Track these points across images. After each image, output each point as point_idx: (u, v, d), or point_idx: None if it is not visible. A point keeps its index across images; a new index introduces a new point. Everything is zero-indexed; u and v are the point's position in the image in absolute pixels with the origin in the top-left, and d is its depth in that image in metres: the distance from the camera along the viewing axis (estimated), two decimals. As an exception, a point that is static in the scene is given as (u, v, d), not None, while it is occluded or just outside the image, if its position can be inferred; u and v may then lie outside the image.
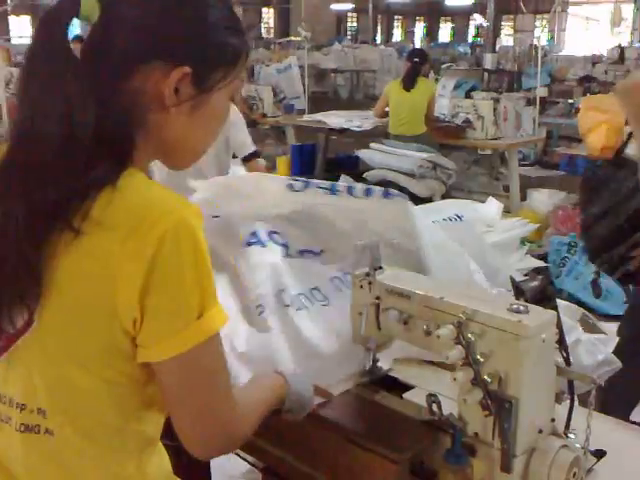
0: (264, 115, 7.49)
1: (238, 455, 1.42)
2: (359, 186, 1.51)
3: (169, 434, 0.96)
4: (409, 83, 6.05)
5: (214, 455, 0.96)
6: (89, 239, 0.82)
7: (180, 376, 0.87)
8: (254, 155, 3.28)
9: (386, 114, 6.43)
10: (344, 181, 5.69)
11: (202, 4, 0.92)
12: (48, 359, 0.87)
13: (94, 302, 0.84)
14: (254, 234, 1.49)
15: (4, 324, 0.86)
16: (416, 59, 6.20)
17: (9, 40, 16.36)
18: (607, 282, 4.36)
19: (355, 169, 6.66)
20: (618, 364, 1.53)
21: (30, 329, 0.86)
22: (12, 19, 21.74)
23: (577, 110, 6.82)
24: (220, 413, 0.91)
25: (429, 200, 5.33)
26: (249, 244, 1.48)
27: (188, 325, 0.84)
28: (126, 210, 0.83)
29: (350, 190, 1.49)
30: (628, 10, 14.63)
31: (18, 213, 0.83)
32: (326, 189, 1.50)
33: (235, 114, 3.16)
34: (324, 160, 7.28)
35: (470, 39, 29.39)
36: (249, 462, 1.34)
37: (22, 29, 23.59)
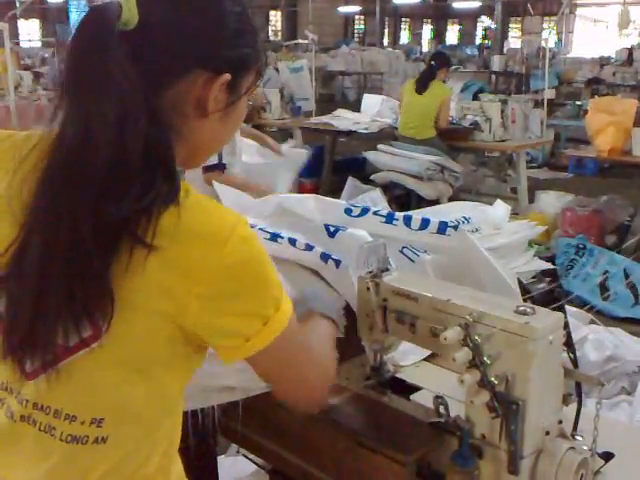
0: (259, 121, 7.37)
1: (246, 457, 1.43)
2: (415, 217, 1.50)
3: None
4: (421, 86, 5.99)
5: (320, 406, 1.04)
6: (162, 254, 0.82)
7: (271, 362, 0.93)
8: (217, 167, 3.20)
9: None
10: (351, 183, 5.70)
11: (236, 14, 0.94)
12: (111, 370, 0.87)
13: (163, 315, 0.85)
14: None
15: (59, 339, 0.85)
16: (432, 62, 6.15)
17: (18, 44, 16.44)
18: (615, 284, 4.36)
19: (362, 171, 6.67)
20: (625, 359, 1.52)
21: (95, 344, 0.85)
22: (21, 23, 21.86)
23: (585, 112, 6.81)
24: (315, 377, 1.00)
25: (436, 202, 5.33)
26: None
27: (269, 321, 0.89)
28: (196, 226, 0.84)
29: (407, 221, 1.50)
30: (636, 12, 14.56)
31: (84, 229, 0.81)
32: (383, 217, 1.52)
33: None
34: (331, 162, 7.29)
35: (478, 41, 29.35)
36: (256, 464, 1.34)
37: (31, 33, 23.74)
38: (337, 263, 1.38)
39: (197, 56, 0.90)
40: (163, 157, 0.85)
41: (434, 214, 1.62)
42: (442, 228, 1.48)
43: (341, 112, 7.79)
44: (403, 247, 1.49)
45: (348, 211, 1.56)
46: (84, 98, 0.83)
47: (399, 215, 1.52)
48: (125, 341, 0.86)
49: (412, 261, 1.47)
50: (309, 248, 1.41)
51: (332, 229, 1.47)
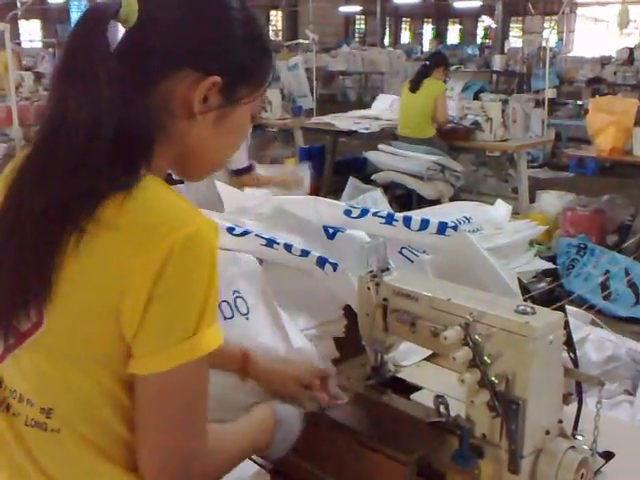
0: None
1: (246, 456, 1.43)
2: (415, 217, 1.50)
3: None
4: (414, 85, 6.03)
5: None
6: (98, 242, 0.82)
7: (160, 393, 0.84)
8: (247, 170, 3.23)
9: None
10: (352, 183, 5.70)
11: (238, 21, 0.95)
12: (53, 360, 0.87)
13: (99, 306, 0.84)
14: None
15: (17, 322, 0.86)
16: (427, 61, 6.19)
17: (19, 44, 16.45)
18: (616, 284, 4.36)
19: (363, 171, 6.67)
20: (626, 359, 1.53)
21: (39, 329, 0.86)
22: (22, 23, 21.87)
23: (586, 111, 6.80)
24: (186, 444, 0.86)
25: (437, 202, 5.33)
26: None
27: (182, 341, 0.82)
28: (138, 218, 0.83)
29: (406, 222, 1.49)
30: (636, 11, 14.55)
31: (35, 209, 0.83)
32: (382, 217, 1.51)
33: None
34: (332, 162, 7.29)
35: (479, 41, 29.34)
36: (257, 463, 1.34)
37: (32, 33, 23.76)
38: (334, 267, 1.38)
39: (186, 55, 0.91)
40: (133, 149, 0.85)
41: (435, 214, 1.62)
42: (442, 228, 1.49)
43: (354, 113, 7.80)
44: (402, 248, 1.50)
45: (348, 212, 1.56)
46: (67, 88, 0.85)
47: (399, 216, 1.53)
48: (60, 330, 0.86)
49: (411, 261, 1.48)
50: (305, 254, 1.41)
51: (331, 231, 1.48)
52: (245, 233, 1.46)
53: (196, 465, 0.87)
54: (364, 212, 1.56)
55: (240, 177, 3.14)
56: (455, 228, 1.49)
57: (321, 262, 1.39)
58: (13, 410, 0.92)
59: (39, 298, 0.85)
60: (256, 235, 1.46)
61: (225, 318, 1.30)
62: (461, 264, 1.42)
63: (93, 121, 0.83)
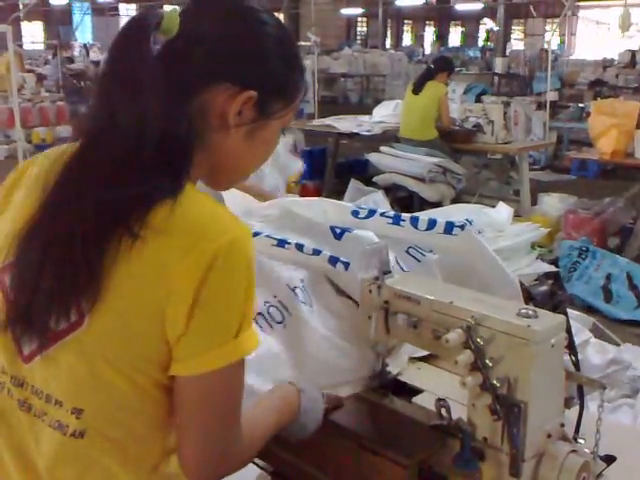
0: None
1: (247, 459, 1.42)
2: (422, 217, 1.52)
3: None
4: (417, 87, 6.06)
5: (211, 477, 0.94)
6: (148, 247, 0.84)
7: (204, 394, 0.88)
8: None
9: None
10: (354, 186, 5.71)
11: (273, 37, 0.98)
12: (89, 360, 0.88)
13: (144, 309, 0.85)
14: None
15: (51, 322, 0.87)
16: (431, 65, 6.22)
17: (21, 46, 16.48)
18: (618, 287, 4.35)
19: (365, 173, 6.67)
20: (627, 363, 1.53)
21: (79, 329, 0.87)
22: (24, 25, 21.92)
23: (588, 114, 6.81)
24: (224, 440, 0.91)
25: (439, 204, 5.33)
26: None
27: (225, 344, 0.85)
28: (186, 224, 0.86)
29: (414, 222, 1.51)
30: (638, 14, 14.55)
31: (87, 212, 0.84)
32: (389, 218, 1.52)
33: None
34: (334, 164, 7.29)
35: (480, 43, 29.35)
36: (258, 465, 1.34)
37: (34, 35, 23.81)
38: (346, 265, 1.38)
39: (224, 69, 0.94)
40: (176, 157, 0.89)
41: (437, 216, 1.62)
42: (449, 228, 1.49)
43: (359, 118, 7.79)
44: (409, 247, 1.50)
45: (355, 213, 1.57)
46: (113, 94, 0.88)
47: (406, 216, 1.54)
48: (103, 332, 0.87)
49: (418, 261, 1.48)
50: (316, 253, 1.41)
51: (338, 231, 1.48)
52: (256, 234, 1.47)
53: (235, 452, 0.93)
54: (371, 213, 1.57)
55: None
56: (462, 227, 1.50)
57: (333, 261, 1.40)
58: (35, 411, 0.91)
59: (82, 298, 0.85)
60: (266, 236, 1.47)
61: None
62: (468, 263, 1.43)
63: (140, 126, 0.85)
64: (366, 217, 1.56)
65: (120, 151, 0.86)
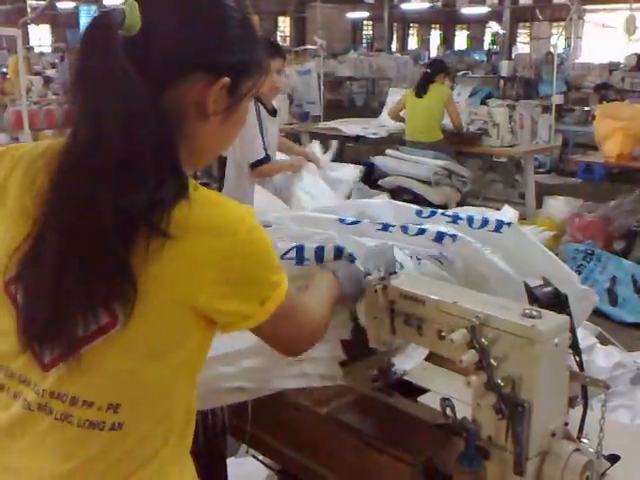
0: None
1: (255, 457, 1.44)
2: (477, 217, 1.59)
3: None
4: (420, 90, 6.08)
5: (308, 349, 1.13)
6: (175, 244, 0.86)
7: (273, 331, 1.00)
8: (264, 161, 3.35)
9: (399, 118, 6.50)
10: (359, 188, 5.71)
11: (238, 21, 0.98)
12: (127, 357, 0.90)
13: (178, 303, 0.89)
14: None
15: (79, 330, 0.87)
16: (428, 69, 6.27)
17: (29, 49, 16.55)
18: (623, 290, 4.35)
19: (370, 176, 6.67)
20: (633, 366, 1.53)
21: (112, 330, 0.88)
22: (31, 28, 22.01)
23: (593, 117, 6.79)
24: (309, 330, 1.10)
25: (444, 207, 5.32)
26: None
27: (265, 302, 0.95)
28: (206, 221, 0.89)
29: (470, 221, 1.59)
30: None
31: (105, 220, 0.84)
32: (449, 217, 1.62)
33: None
34: (339, 167, 7.29)
35: (486, 47, 29.31)
36: (265, 464, 1.35)
37: (42, 38, 23.90)
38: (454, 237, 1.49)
39: (197, 59, 0.94)
40: (170, 155, 0.90)
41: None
42: (498, 226, 1.57)
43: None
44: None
45: (419, 213, 1.67)
46: (93, 97, 0.87)
47: (463, 215, 1.62)
48: (140, 328, 0.89)
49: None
50: (421, 232, 1.53)
51: (410, 228, 1.57)
52: (356, 222, 1.60)
53: (312, 328, 1.11)
54: (433, 213, 1.66)
55: (258, 168, 3.30)
56: (509, 225, 1.57)
57: (484, 223, 1.54)
58: (56, 415, 0.92)
59: (116, 299, 0.87)
60: (369, 221, 1.60)
61: None
62: (519, 256, 1.51)
63: (127, 127, 0.85)
64: (428, 216, 1.65)
65: (115, 155, 0.85)
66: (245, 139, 3.23)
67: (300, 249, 1.39)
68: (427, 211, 1.67)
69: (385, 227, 1.58)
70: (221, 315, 0.94)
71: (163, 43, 0.91)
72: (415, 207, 1.71)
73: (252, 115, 3.24)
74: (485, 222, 1.58)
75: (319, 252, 1.40)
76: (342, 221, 1.61)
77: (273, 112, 3.48)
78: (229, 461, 1.63)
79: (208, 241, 0.88)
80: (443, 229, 1.55)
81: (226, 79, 0.95)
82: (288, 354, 1.16)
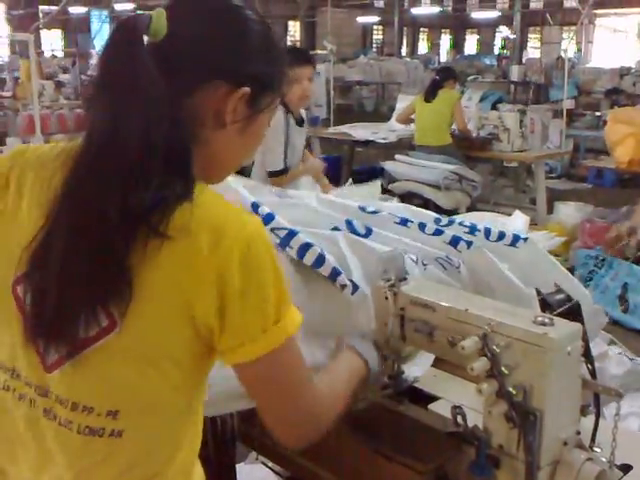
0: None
1: (264, 464, 1.44)
2: (494, 230, 1.60)
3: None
4: (429, 95, 6.10)
5: (305, 443, 1.00)
6: (174, 247, 0.86)
7: (263, 375, 0.92)
8: (283, 172, 3.38)
9: (408, 121, 6.54)
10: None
11: (259, 32, 0.99)
12: (126, 361, 0.89)
13: (175, 308, 0.87)
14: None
15: (81, 330, 0.87)
16: (436, 76, 6.31)
17: (41, 54, 16.66)
18: (634, 296, 4.32)
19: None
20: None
21: (112, 333, 0.88)
22: (43, 33, 22.14)
23: (604, 122, 6.76)
24: (304, 405, 0.96)
25: (454, 212, 5.32)
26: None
27: (267, 330, 0.89)
28: (206, 224, 0.87)
29: (487, 232, 1.59)
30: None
31: (111, 220, 0.85)
32: (466, 227, 1.62)
33: None
34: (349, 172, 7.30)
35: (496, 51, 29.27)
36: (274, 471, 1.35)
37: (53, 43, 24.06)
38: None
39: (218, 68, 0.95)
40: (181, 158, 0.90)
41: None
42: (515, 240, 1.59)
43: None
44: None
45: (437, 221, 1.66)
46: (113, 100, 0.88)
47: (480, 226, 1.63)
48: (138, 332, 0.88)
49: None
50: (438, 233, 1.55)
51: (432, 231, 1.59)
52: (376, 212, 1.61)
53: (319, 412, 0.99)
54: (451, 222, 1.66)
55: (274, 178, 3.31)
56: (525, 240, 1.58)
57: (501, 236, 1.56)
58: (60, 420, 0.92)
59: (113, 302, 0.86)
60: (389, 213, 1.61)
61: None
62: (534, 273, 1.52)
63: (145, 132, 0.86)
64: (446, 225, 1.64)
65: (130, 157, 0.86)
66: (268, 145, 3.24)
67: (292, 234, 1.39)
68: (445, 219, 1.67)
69: (403, 221, 1.59)
70: (227, 335, 0.89)
71: (186, 49, 0.93)
72: (434, 215, 1.71)
73: (280, 124, 3.24)
74: (502, 236, 1.59)
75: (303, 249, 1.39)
76: (363, 209, 1.62)
77: (301, 122, 3.46)
78: (239, 467, 1.63)
79: (206, 244, 0.86)
80: (460, 234, 1.54)
81: (246, 89, 0.95)
82: (283, 432, 0.97)
